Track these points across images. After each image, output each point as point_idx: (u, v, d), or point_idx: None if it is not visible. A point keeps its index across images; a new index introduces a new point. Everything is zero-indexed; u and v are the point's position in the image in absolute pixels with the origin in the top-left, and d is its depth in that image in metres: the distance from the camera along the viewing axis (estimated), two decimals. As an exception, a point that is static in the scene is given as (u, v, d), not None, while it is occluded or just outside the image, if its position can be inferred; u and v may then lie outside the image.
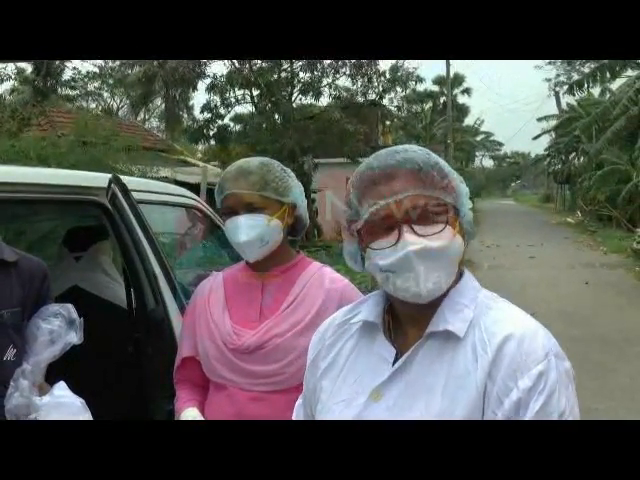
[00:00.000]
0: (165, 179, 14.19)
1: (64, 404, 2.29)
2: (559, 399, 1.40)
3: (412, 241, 1.45)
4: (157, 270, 3.19)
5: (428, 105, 59.30)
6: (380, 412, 1.51)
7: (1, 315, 2.36)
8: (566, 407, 1.41)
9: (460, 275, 1.58)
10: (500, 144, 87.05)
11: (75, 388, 3.05)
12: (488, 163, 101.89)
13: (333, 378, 1.64)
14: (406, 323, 1.58)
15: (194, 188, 15.82)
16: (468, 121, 72.84)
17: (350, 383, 1.60)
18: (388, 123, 31.46)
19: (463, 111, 67.95)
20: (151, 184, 4.18)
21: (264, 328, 2.42)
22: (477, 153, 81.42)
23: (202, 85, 23.86)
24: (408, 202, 1.47)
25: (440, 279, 1.48)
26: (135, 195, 3.39)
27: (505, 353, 1.42)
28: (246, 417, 2.35)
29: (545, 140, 54.69)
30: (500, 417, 1.40)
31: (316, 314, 2.37)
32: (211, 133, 24.11)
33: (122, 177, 3.28)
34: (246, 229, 2.41)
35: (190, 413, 2.49)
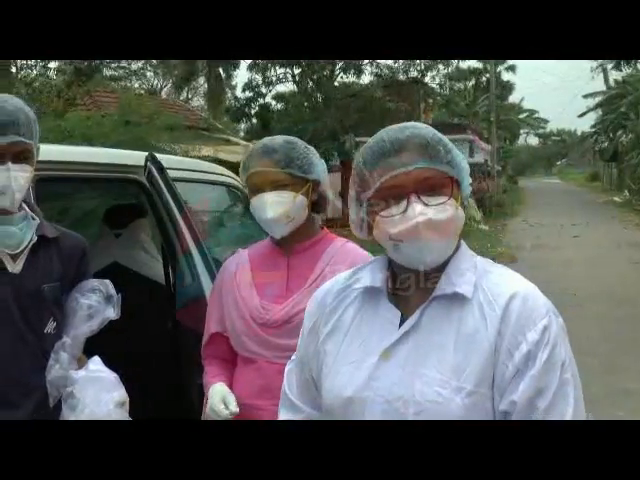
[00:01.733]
0: (207, 158, 14.29)
1: (99, 378, 2.34)
2: (560, 350, 1.55)
3: (420, 210, 1.55)
4: (192, 247, 3.24)
5: (471, 82, 58.60)
6: (393, 370, 1.59)
7: (42, 289, 2.42)
8: (566, 357, 1.56)
9: (458, 243, 1.68)
10: (545, 121, 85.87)
11: (114, 363, 3.12)
12: (533, 141, 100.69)
13: (337, 342, 1.72)
14: (408, 288, 1.67)
15: (235, 167, 15.94)
16: (512, 98, 71.95)
17: (357, 346, 1.68)
18: (430, 101, 31.25)
19: (507, 88, 66.98)
20: (190, 162, 4.24)
21: (291, 303, 2.48)
22: (521, 131, 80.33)
23: (244, 64, 23.90)
24: (417, 173, 1.57)
25: (444, 248, 1.61)
26: (173, 173, 3.44)
27: (512, 310, 1.56)
28: (275, 389, 2.33)
29: (591, 117, 53.87)
30: (511, 369, 1.52)
31: None
32: (252, 112, 24.18)
33: (161, 156, 3.32)
34: (273, 206, 2.46)
35: (218, 388, 2.55)
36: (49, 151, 3.33)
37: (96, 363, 2.41)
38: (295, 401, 1.87)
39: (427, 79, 24.56)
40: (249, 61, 23.17)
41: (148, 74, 38.64)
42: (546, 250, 18.42)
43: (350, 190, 1.71)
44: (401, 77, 23.93)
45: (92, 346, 3.71)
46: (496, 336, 1.55)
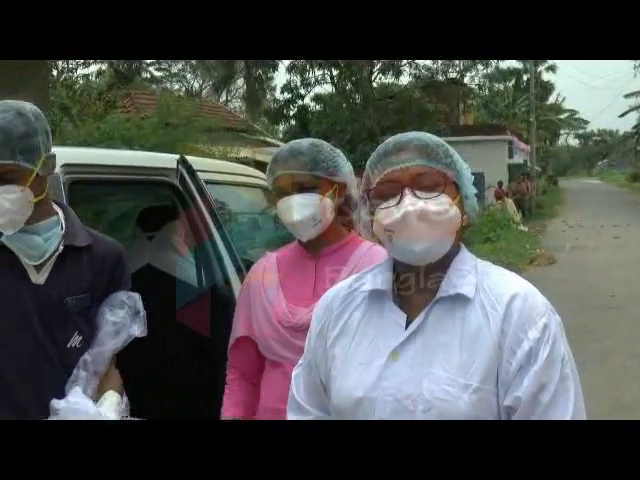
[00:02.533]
0: (245, 159, 14.35)
1: (77, 411, 2.21)
2: (559, 346, 1.63)
3: (412, 202, 1.64)
4: (222, 249, 3.27)
5: (511, 83, 58.09)
6: (401, 369, 1.66)
7: (65, 302, 2.37)
8: (565, 352, 1.64)
9: (459, 247, 1.77)
10: (585, 122, 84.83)
11: (147, 365, 3.16)
12: (574, 141, 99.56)
13: (345, 345, 1.78)
14: (412, 290, 1.74)
15: (274, 168, 16.01)
16: (553, 99, 71.17)
17: (365, 347, 1.74)
18: (469, 102, 31.08)
19: (547, 89, 66.31)
20: (223, 165, 4.25)
21: None
22: (562, 131, 79.46)
23: (283, 65, 23.98)
24: (413, 170, 1.68)
25: (433, 240, 1.66)
26: (206, 176, 3.47)
27: (514, 309, 1.63)
28: None
29: (633, 117, 53.10)
30: (514, 366, 1.59)
31: None
32: (291, 113, 24.24)
33: (192, 158, 3.35)
34: (299, 208, 2.46)
35: None
36: (83, 154, 3.40)
37: (76, 395, 2.28)
38: (302, 404, 1.92)
39: (466, 80, 24.47)
40: (288, 63, 23.23)
41: (188, 76, 39.01)
42: (585, 251, 18.20)
43: (360, 191, 1.82)
44: (440, 78, 23.84)
45: (126, 348, 3.76)
46: (499, 334, 1.62)
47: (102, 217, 4.82)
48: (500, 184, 28.93)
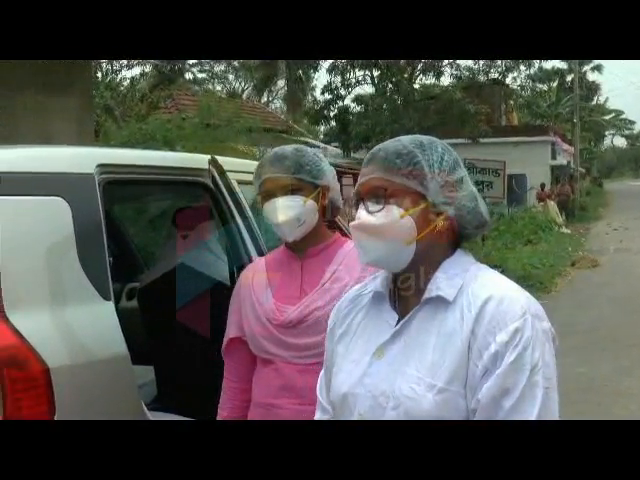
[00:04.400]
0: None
1: None
2: (532, 353, 1.58)
3: (359, 216, 1.74)
4: (251, 248, 3.30)
5: (555, 83, 57.42)
6: (382, 367, 1.72)
7: None
8: (539, 361, 1.59)
9: (453, 250, 1.80)
10: (632, 122, 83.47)
11: (183, 363, 3.19)
12: (620, 142, 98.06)
13: (346, 343, 1.87)
14: (406, 292, 1.81)
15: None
16: (600, 99, 70.11)
17: (359, 346, 1.83)
18: (511, 103, 30.82)
19: (592, 89, 65.37)
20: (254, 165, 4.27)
21: (305, 303, 2.58)
22: (607, 132, 78.31)
23: (324, 66, 24.01)
24: (369, 183, 1.76)
25: (381, 253, 1.74)
26: (240, 176, 3.50)
27: (486, 311, 1.63)
28: (294, 388, 2.56)
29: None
30: (480, 368, 1.59)
31: (353, 286, 2.47)
32: (331, 114, 24.25)
33: (225, 158, 3.39)
34: (284, 210, 2.58)
35: None
36: (117, 155, 3.45)
37: None
38: (323, 402, 1.99)
39: (508, 80, 24.27)
40: (329, 63, 23.25)
41: (230, 77, 39.26)
42: (629, 254, 17.96)
43: None
44: (481, 79, 23.67)
45: (165, 346, 3.82)
46: (469, 336, 1.63)
47: (141, 216, 4.89)
48: (543, 186, 28.66)
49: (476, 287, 1.70)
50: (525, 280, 13.61)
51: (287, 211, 2.57)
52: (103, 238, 3.00)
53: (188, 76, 33.13)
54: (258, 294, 2.68)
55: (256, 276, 2.73)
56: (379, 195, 1.73)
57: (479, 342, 1.61)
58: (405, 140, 1.79)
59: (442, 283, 1.73)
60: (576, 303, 12.18)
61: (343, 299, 2.00)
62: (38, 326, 2.68)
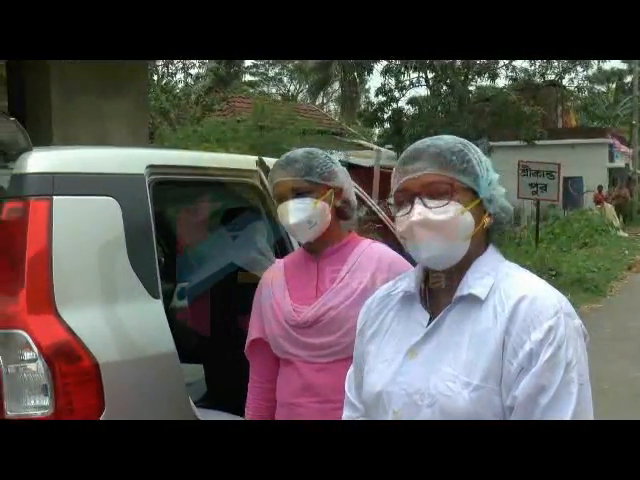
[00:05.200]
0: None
1: None
2: (567, 351, 1.61)
3: (419, 211, 1.71)
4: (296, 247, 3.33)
5: (614, 84, 56.34)
6: (416, 366, 1.75)
7: None
8: (573, 358, 1.62)
9: (485, 248, 1.81)
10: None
11: (232, 364, 3.24)
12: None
13: (378, 343, 1.89)
14: (438, 291, 1.82)
15: (368, 171, 16.02)
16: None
17: (392, 345, 1.84)
18: (568, 104, 30.39)
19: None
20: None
21: (320, 303, 2.62)
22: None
23: (378, 68, 23.97)
24: (424, 178, 1.74)
25: (441, 248, 1.73)
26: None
27: (520, 310, 1.65)
28: (313, 387, 2.61)
29: None
30: (515, 366, 1.61)
31: (365, 288, 2.56)
32: (385, 116, 24.18)
33: (271, 159, 3.41)
34: (295, 212, 2.62)
35: None
36: (167, 156, 3.51)
37: None
38: (352, 400, 2.02)
39: (565, 82, 23.90)
40: (383, 65, 23.20)
41: (284, 79, 39.47)
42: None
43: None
44: (537, 80, 23.38)
45: (214, 345, 3.87)
46: (503, 334, 1.65)
47: (192, 217, 4.95)
48: (600, 188, 28.22)
49: (508, 286, 1.72)
50: (580, 284, 13.43)
51: (298, 213, 2.61)
52: (152, 237, 3.07)
53: (243, 79, 33.39)
54: (277, 295, 2.73)
55: (275, 278, 2.78)
56: (439, 191, 1.73)
57: (514, 340, 1.63)
58: (449, 138, 1.80)
59: (474, 281, 1.74)
60: (632, 307, 11.98)
61: (372, 299, 2.00)
62: (89, 322, 2.75)
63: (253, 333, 2.84)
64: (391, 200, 1.86)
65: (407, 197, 1.75)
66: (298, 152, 2.71)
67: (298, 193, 2.63)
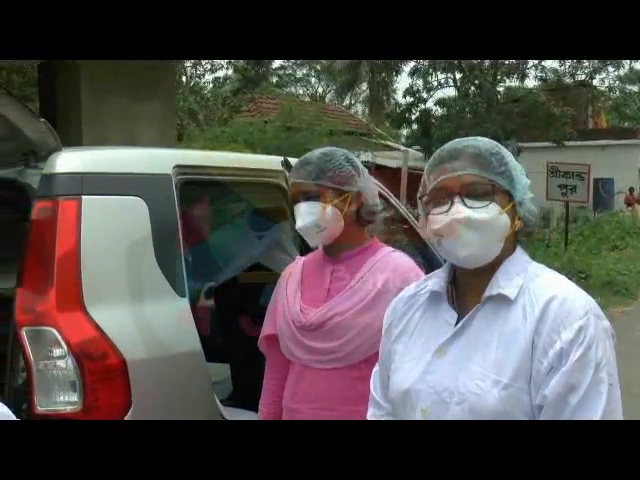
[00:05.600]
0: (366, 163, 14.43)
1: None
2: (596, 351, 1.64)
3: (459, 210, 1.73)
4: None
5: (647, 84, 55.70)
6: (444, 364, 1.77)
7: None
8: (602, 358, 1.64)
9: (513, 249, 1.83)
10: None
11: (257, 361, 3.26)
12: None
13: (405, 342, 1.91)
14: (466, 291, 1.84)
15: (395, 172, 16.01)
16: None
17: (419, 344, 1.86)
18: (598, 105, 30.12)
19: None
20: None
21: (327, 307, 2.57)
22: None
23: (406, 69, 23.92)
24: (463, 178, 1.76)
25: (480, 247, 1.75)
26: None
27: (550, 310, 1.68)
28: (311, 393, 2.57)
29: None
30: (545, 365, 1.64)
31: (376, 295, 2.51)
32: (413, 117, 24.11)
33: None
34: (303, 215, 2.58)
35: None
36: (193, 156, 3.55)
37: None
38: (378, 399, 2.03)
39: (595, 82, 23.68)
40: (411, 66, 23.15)
41: (312, 80, 39.51)
42: None
43: (417, 194, 1.89)
44: (567, 80, 23.20)
45: (240, 344, 3.90)
46: (533, 334, 1.67)
47: (219, 217, 4.99)
48: (631, 190, 27.92)
49: (537, 287, 1.74)
50: (610, 286, 13.30)
51: (305, 217, 2.57)
52: (179, 237, 3.11)
53: (270, 80, 33.48)
54: (289, 294, 2.69)
55: (292, 276, 2.75)
56: (479, 191, 1.75)
57: (544, 340, 1.66)
58: (485, 140, 1.83)
59: (504, 282, 1.76)
60: (663, 311, 11.84)
61: (399, 299, 2.01)
62: (116, 320, 2.80)
63: (267, 329, 2.81)
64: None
65: (445, 195, 1.76)
66: (315, 153, 2.65)
67: (308, 197, 2.59)
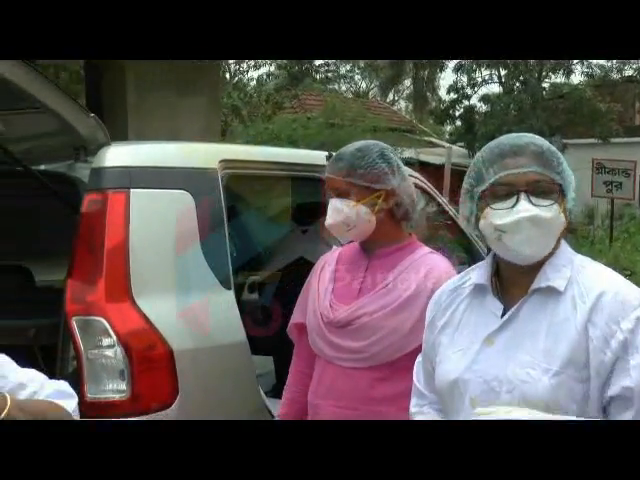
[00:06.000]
0: (409, 160, 14.40)
1: None
2: None
3: (527, 208, 1.75)
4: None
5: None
6: (492, 354, 1.80)
7: None
8: None
9: (559, 244, 1.86)
10: None
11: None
12: None
13: (450, 333, 1.94)
14: (510, 284, 1.87)
15: (438, 168, 15.94)
16: None
17: (465, 335, 1.90)
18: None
19: None
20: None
21: (356, 305, 2.50)
22: None
23: (450, 65, 23.81)
24: (529, 176, 1.78)
25: (541, 245, 1.78)
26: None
27: (604, 302, 1.72)
28: (333, 390, 2.51)
29: None
30: (610, 355, 1.68)
31: (407, 299, 2.45)
32: (457, 114, 23.98)
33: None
34: (332, 213, 2.53)
35: None
36: (239, 150, 3.59)
37: None
38: (421, 389, 2.07)
39: (643, 78, 23.33)
40: (455, 63, 23.03)
41: (356, 77, 39.48)
42: None
43: (464, 184, 1.89)
44: (614, 76, 22.89)
45: (283, 337, 3.94)
46: (585, 324, 1.71)
47: (261, 211, 5.05)
48: (678, 187, 27.47)
49: (585, 278, 1.79)
50: (656, 284, 13.10)
51: (334, 214, 2.52)
52: (224, 230, 3.16)
53: (315, 76, 33.54)
54: (321, 287, 2.62)
55: (326, 267, 2.68)
56: (544, 190, 1.77)
57: (603, 331, 1.70)
58: (541, 138, 1.85)
59: (552, 274, 1.80)
60: None
61: (442, 292, 2.04)
62: (163, 311, 2.85)
63: (296, 317, 2.76)
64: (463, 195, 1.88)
65: (507, 191, 1.78)
66: (349, 148, 2.56)
67: (339, 193, 2.52)
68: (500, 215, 1.77)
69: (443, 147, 22.10)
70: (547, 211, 1.75)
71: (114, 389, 2.71)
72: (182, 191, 3.03)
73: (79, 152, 3.10)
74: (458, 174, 19.95)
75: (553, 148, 1.83)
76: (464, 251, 5.01)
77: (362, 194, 2.50)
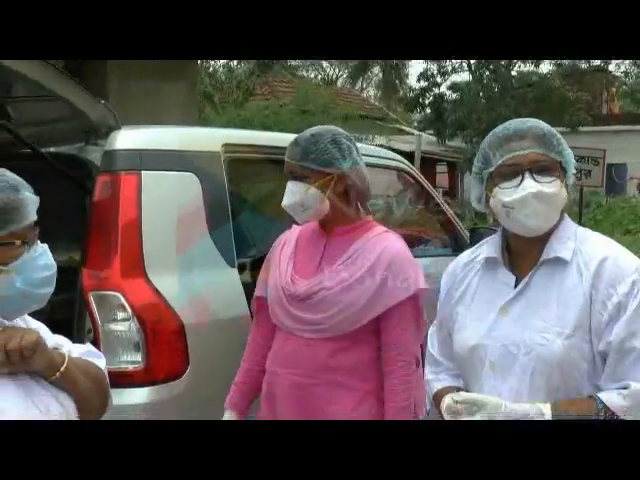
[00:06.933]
0: (380, 147, 14.54)
1: None
2: None
3: (531, 185, 1.93)
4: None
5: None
6: (508, 323, 1.99)
7: None
8: None
9: (562, 217, 2.04)
10: None
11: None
12: None
13: (466, 303, 2.13)
14: (519, 257, 2.06)
15: (408, 156, 16.13)
16: None
17: (481, 305, 2.08)
18: (614, 90, 30.08)
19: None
20: (365, 148, 4.49)
21: (316, 280, 2.64)
22: None
23: (419, 54, 23.87)
24: (532, 156, 1.95)
25: (546, 217, 1.96)
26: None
27: (605, 268, 1.91)
28: (294, 360, 2.64)
29: None
30: (606, 317, 1.87)
31: (363, 274, 2.59)
32: (427, 101, 24.17)
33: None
34: (288, 194, 2.67)
35: (227, 416, 2.80)
36: (241, 135, 3.71)
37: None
38: (436, 356, 2.25)
39: (611, 67, 23.70)
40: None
41: (324, 64, 39.42)
42: None
43: (473, 168, 2.09)
44: (582, 66, 23.19)
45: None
46: (590, 289, 1.90)
47: (261, 195, 5.13)
48: (643, 175, 27.89)
49: (588, 248, 1.97)
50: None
51: (290, 196, 2.65)
52: (228, 211, 3.31)
53: (284, 63, 33.47)
54: (282, 262, 2.75)
55: (286, 244, 2.81)
56: (546, 168, 1.94)
57: (602, 294, 1.89)
58: (541, 122, 2.02)
59: (558, 246, 1.98)
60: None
61: (455, 265, 2.22)
62: (174, 287, 3.00)
63: (258, 290, 2.87)
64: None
65: (513, 171, 1.95)
66: (305, 134, 2.68)
67: (295, 176, 2.65)
68: (508, 193, 1.94)
69: (412, 134, 22.30)
70: (550, 187, 1.92)
71: (129, 360, 2.85)
72: (189, 173, 3.17)
73: (89, 135, 3.21)
74: (427, 161, 20.07)
75: (554, 131, 2.00)
76: (448, 234, 5.20)
77: (315, 177, 2.62)
